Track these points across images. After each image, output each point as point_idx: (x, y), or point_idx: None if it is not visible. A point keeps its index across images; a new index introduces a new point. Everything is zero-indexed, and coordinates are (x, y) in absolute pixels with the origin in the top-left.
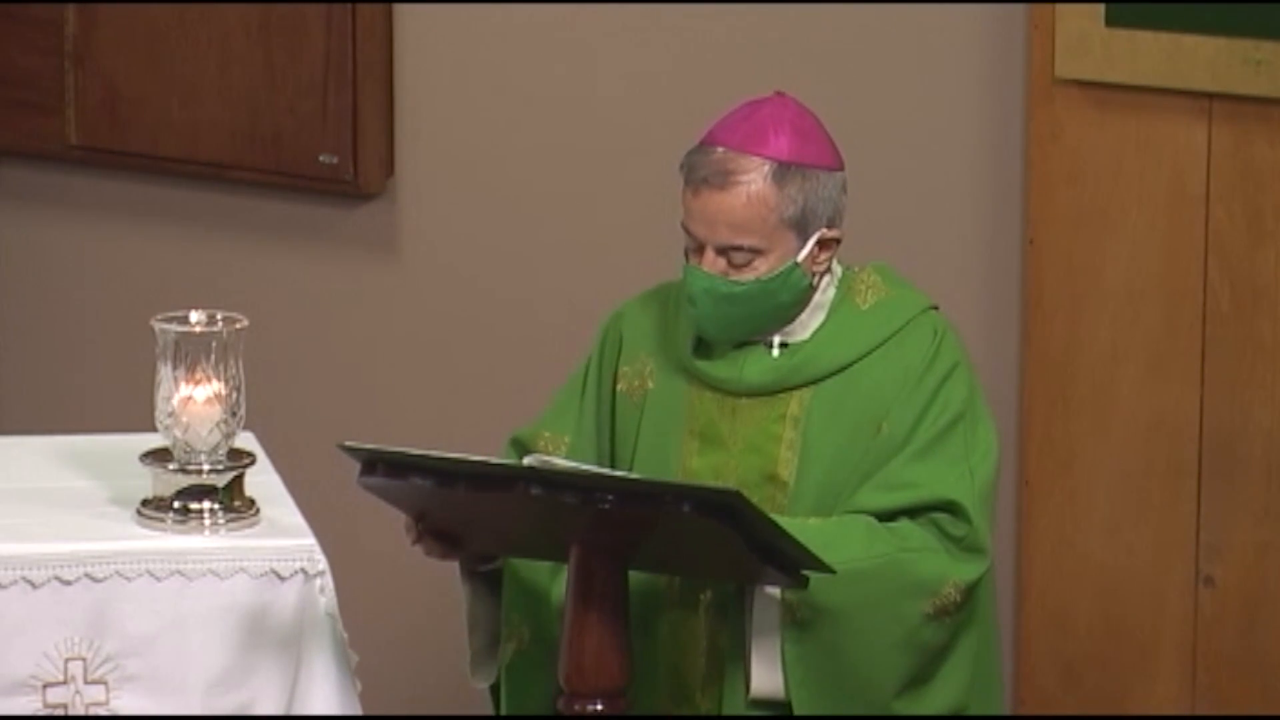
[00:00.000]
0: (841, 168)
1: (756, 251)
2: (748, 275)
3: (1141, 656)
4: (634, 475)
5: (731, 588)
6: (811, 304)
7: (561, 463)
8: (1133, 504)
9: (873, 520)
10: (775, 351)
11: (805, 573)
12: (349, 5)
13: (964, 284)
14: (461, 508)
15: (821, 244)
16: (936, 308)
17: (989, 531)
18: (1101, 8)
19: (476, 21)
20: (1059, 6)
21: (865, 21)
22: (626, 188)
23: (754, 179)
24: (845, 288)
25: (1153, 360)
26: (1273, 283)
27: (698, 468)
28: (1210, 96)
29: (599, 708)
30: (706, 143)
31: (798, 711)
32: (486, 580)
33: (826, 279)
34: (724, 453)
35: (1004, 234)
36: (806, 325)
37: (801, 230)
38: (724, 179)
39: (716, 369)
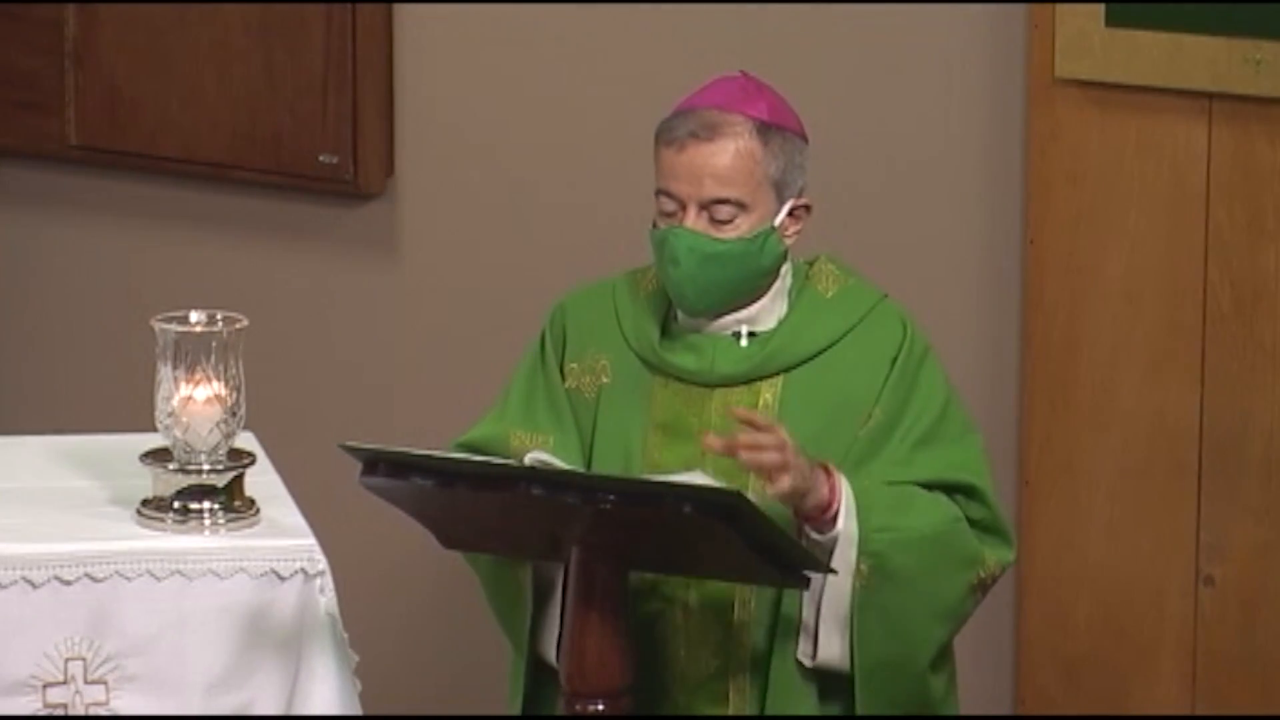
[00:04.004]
0: (808, 142)
1: (741, 206)
2: (729, 234)
3: (1141, 656)
4: (635, 476)
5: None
6: (772, 290)
7: (561, 464)
8: (1133, 504)
9: (925, 491)
10: (744, 341)
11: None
12: (349, 5)
13: (964, 284)
14: (462, 508)
15: (793, 214)
16: (886, 295)
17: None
18: (1101, 8)
19: (476, 21)
20: (1059, 6)
21: (865, 22)
22: (626, 187)
23: (741, 132)
24: (803, 277)
25: (1153, 360)
26: (1273, 283)
27: (666, 460)
28: (1210, 96)
29: (600, 708)
30: (685, 108)
31: (860, 673)
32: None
33: (785, 267)
34: (692, 444)
35: (1004, 234)
36: (771, 313)
37: (780, 192)
38: (711, 131)
39: (685, 360)
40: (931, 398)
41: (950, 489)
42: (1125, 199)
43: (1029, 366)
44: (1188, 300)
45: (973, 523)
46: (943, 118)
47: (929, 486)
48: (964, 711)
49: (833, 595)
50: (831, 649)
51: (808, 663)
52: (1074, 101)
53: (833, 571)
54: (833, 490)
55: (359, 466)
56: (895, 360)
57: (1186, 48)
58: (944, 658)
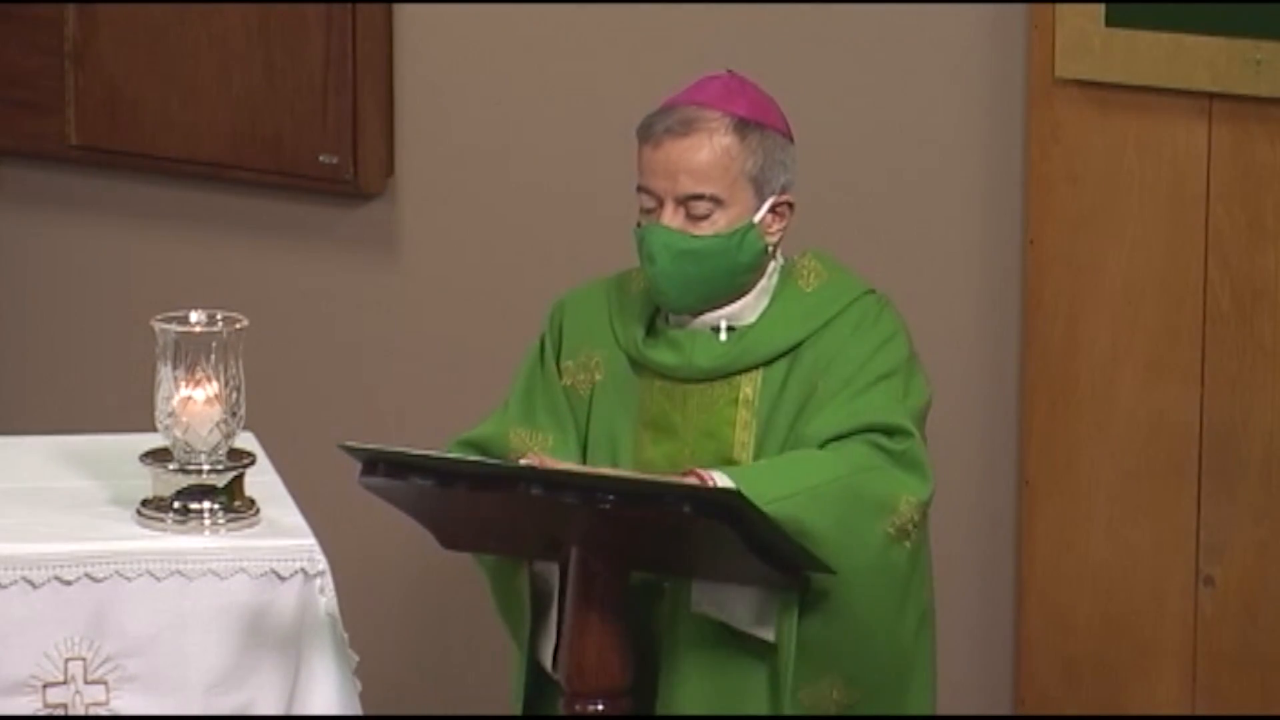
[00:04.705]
0: (793, 141)
1: (717, 202)
2: (706, 230)
3: (1141, 656)
4: (635, 475)
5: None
6: (757, 288)
7: (561, 464)
8: (1133, 504)
9: (818, 450)
10: (723, 335)
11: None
12: (349, 5)
13: (964, 284)
14: (461, 508)
15: (775, 211)
16: (874, 291)
17: (927, 452)
18: (1101, 8)
19: (476, 21)
20: (1059, 6)
21: (865, 21)
22: (626, 187)
23: (717, 128)
24: (786, 273)
25: (1153, 360)
26: (1273, 283)
27: (653, 458)
28: (1210, 96)
29: (600, 708)
30: (665, 106)
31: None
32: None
33: (772, 265)
34: (677, 441)
35: (1004, 234)
36: (753, 309)
37: (759, 189)
38: (687, 127)
39: (665, 356)
40: (880, 368)
41: (872, 431)
42: (1125, 199)
43: (1029, 366)
44: (1188, 300)
45: (895, 455)
46: (943, 118)
47: (848, 434)
48: (964, 711)
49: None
50: (712, 602)
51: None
52: (1074, 101)
53: (832, 572)
54: (701, 478)
55: (359, 466)
56: (853, 335)
57: (1186, 48)
58: (909, 613)
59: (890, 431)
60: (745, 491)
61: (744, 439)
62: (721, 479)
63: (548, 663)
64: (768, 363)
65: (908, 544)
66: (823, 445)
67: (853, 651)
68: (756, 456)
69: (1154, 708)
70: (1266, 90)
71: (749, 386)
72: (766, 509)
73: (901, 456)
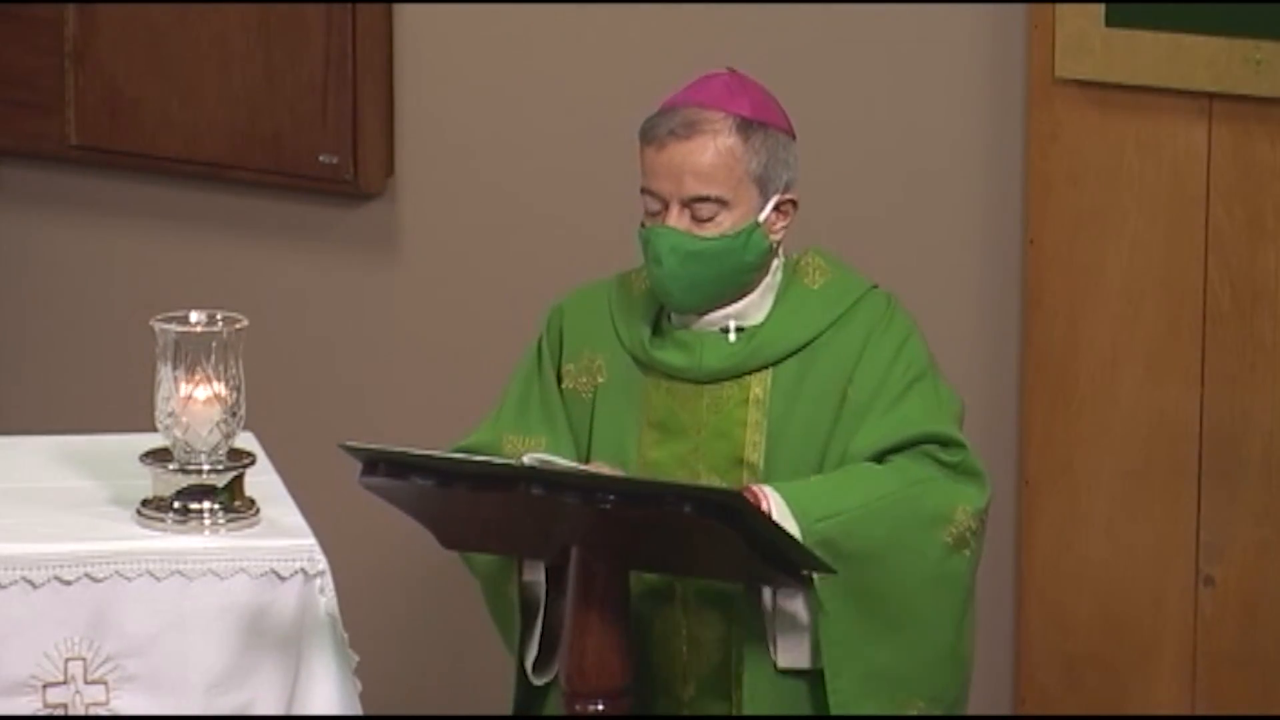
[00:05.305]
0: (795, 138)
1: (722, 203)
2: (712, 231)
3: (1141, 656)
4: (635, 475)
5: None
6: (761, 286)
7: (562, 462)
8: (1133, 504)
9: (873, 464)
10: (732, 336)
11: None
12: (349, 5)
13: (964, 284)
14: (462, 508)
15: (779, 209)
16: (877, 286)
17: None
18: (1101, 8)
19: (476, 21)
20: (1059, 6)
21: (866, 21)
22: (626, 188)
23: (720, 129)
24: (790, 270)
25: (1153, 360)
26: (1273, 283)
27: (660, 458)
28: (1210, 96)
29: (600, 708)
30: (667, 107)
31: (830, 673)
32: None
33: (776, 262)
34: (687, 441)
35: (1004, 234)
36: (760, 308)
37: (763, 188)
38: (690, 129)
39: (674, 358)
40: (906, 371)
41: (921, 442)
42: (1125, 199)
43: (1029, 366)
44: (1188, 300)
45: (951, 467)
46: (943, 118)
47: (899, 446)
48: (964, 711)
49: (789, 602)
50: (797, 653)
51: (781, 663)
52: (1074, 101)
53: (833, 571)
54: (754, 496)
55: (359, 466)
56: (874, 340)
57: (1186, 48)
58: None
59: (944, 443)
60: (797, 509)
61: (755, 439)
62: (774, 496)
63: (530, 671)
64: (778, 362)
65: (967, 552)
66: (872, 460)
67: (928, 666)
68: (768, 456)
69: (1154, 708)
70: (1266, 90)
71: (759, 386)
72: (819, 526)
73: (958, 467)
